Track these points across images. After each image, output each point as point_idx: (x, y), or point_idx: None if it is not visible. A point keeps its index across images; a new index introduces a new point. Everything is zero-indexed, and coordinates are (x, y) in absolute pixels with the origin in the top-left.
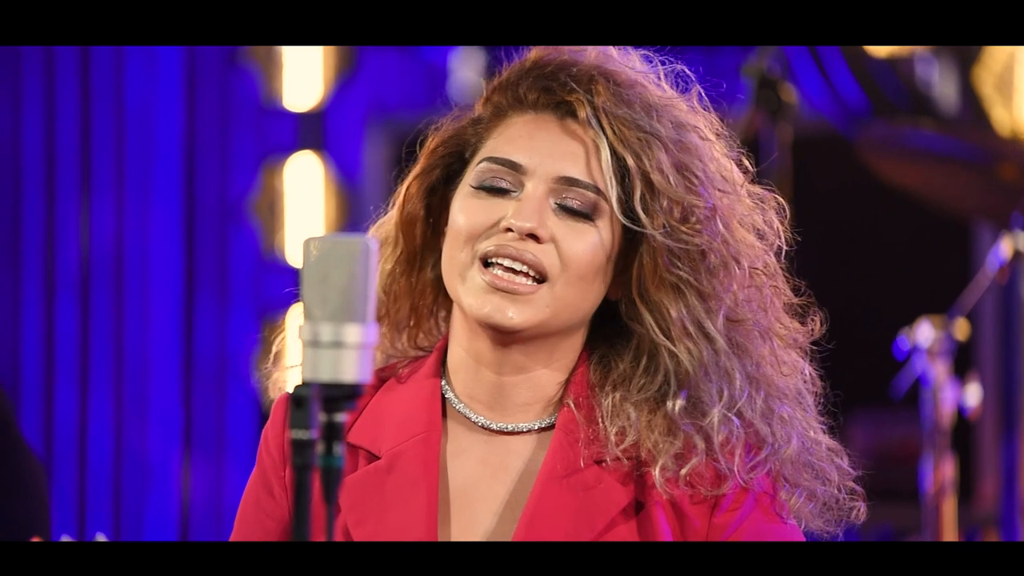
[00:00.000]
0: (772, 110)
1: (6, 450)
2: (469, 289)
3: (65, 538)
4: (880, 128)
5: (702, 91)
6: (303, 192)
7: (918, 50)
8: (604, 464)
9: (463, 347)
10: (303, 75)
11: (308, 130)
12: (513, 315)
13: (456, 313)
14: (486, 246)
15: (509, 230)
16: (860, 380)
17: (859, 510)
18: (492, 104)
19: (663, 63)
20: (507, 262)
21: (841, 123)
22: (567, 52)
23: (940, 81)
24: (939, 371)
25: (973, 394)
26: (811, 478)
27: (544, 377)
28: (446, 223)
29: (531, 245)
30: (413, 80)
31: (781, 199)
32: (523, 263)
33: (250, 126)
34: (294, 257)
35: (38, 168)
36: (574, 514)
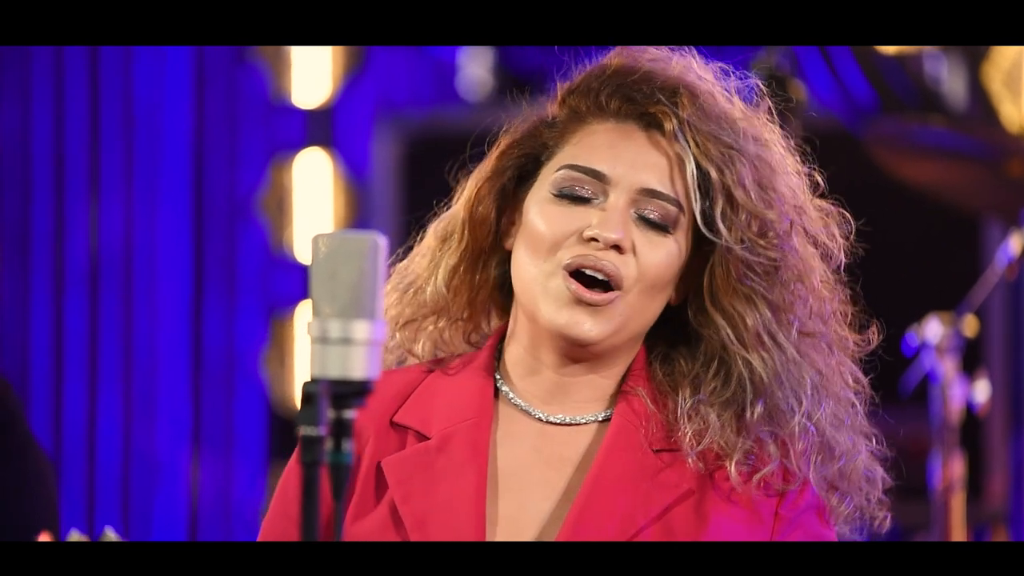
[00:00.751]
0: (780, 107)
1: (14, 447)
2: (550, 297)
3: (75, 532)
4: (889, 125)
5: (772, 107)
6: (312, 189)
7: (927, 47)
8: (663, 453)
9: (523, 347)
10: (312, 72)
11: (317, 127)
12: (590, 328)
13: (522, 316)
14: (568, 255)
15: (593, 239)
16: (868, 376)
17: (884, 519)
18: (568, 108)
19: (738, 77)
20: (589, 272)
21: (850, 120)
22: (648, 61)
23: (949, 77)
24: (948, 368)
25: (982, 391)
26: (855, 484)
27: (604, 376)
28: (513, 223)
29: (612, 255)
30: (422, 77)
31: (847, 214)
32: (604, 273)
33: (259, 123)
34: (303, 254)
35: (47, 165)
36: (630, 499)
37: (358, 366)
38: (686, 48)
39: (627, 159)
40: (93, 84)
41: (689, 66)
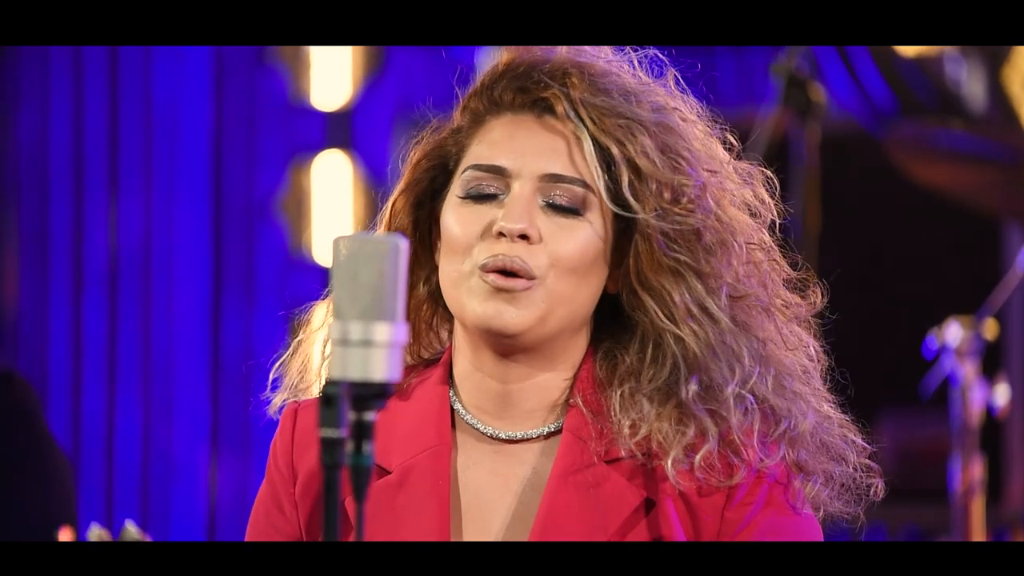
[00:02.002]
0: (800, 110)
1: (33, 446)
2: (470, 294)
3: (95, 526)
4: (909, 128)
5: (678, 75)
6: (331, 191)
7: (947, 49)
8: (614, 462)
9: (467, 358)
10: (331, 74)
11: (336, 129)
12: (513, 316)
13: (458, 327)
14: (481, 256)
15: (501, 234)
16: (889, 379)
17: (877, 487)
18: (469, 111)
19: (635, 50)
20: (500, 270)
21: (869, 123)
22: (539, 51)
23: (969, 81)
24: (968, 371)
25: (1002, 394)
26: (827, 459)
27: (549, 381)
28: (436, 237)
29: (521, 248)
30: (441, 79)
31: (768, 172)
32: (513, 269)
33: (278, 125)
34: (321, 256)
35: (66, 166)
36: (587, 516)
37: (379, 368)
38: (707, 49)
39: (525, 148)
40: (112, 86)
41: (580, 49)
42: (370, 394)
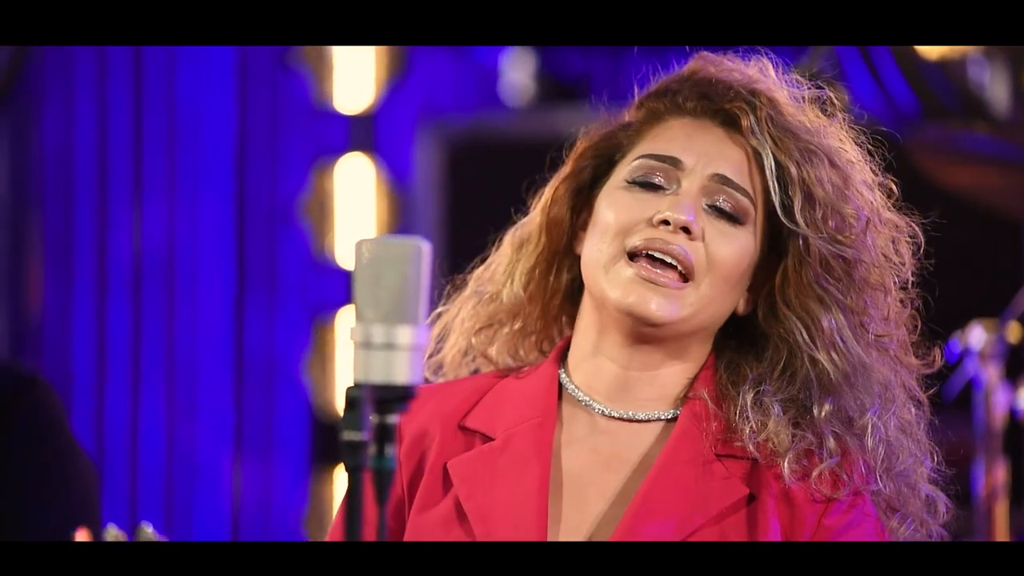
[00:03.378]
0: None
1: (57, 450)
2: (614, 281)
3: (112, 527)
4: (932, 130)
5: (844, 119)
6: (354, 194)
7: (970, 52)
8: (725, 457)
9: (590, 342)
10: (354, 77)
11: (359, 132)
12: (657, 307)
13: (587, 308)
14: (635, 240)
15: (664, 223)
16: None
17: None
18: (646, 109)
19: (812, 87)
20: (657, 254)
21: (892, 125)
22: (727, 64)
23: (992, 83)
24: (991, 374)
25: None
26: (919, 510)
27: (669, 376)
28: (586, 226)
29: (682, 239)
30: (464, 82)
31: (917, 229)
32: (672, 256)
33: (301, 128)
34: (344, 259)
35: (90, 169)
36: (689, 497)
37: (401, 371)
38: (734, 50)
39: (702, 148)
40: (136, 89)
41: (766, 71)
42: (392, 397)
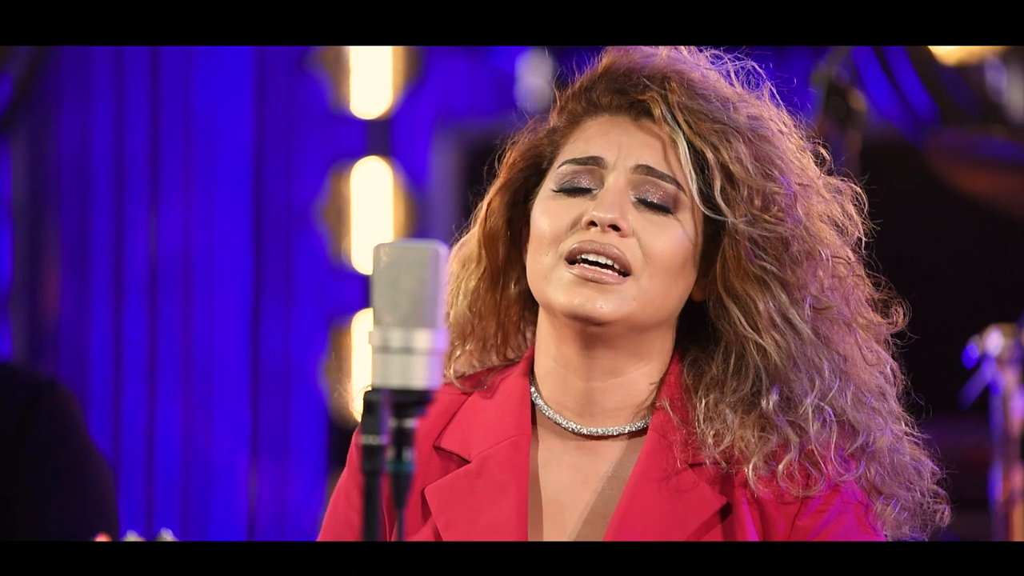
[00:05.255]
0: (841, 118)
1: (76, 455)
2: (556, 287)
3: (132, 533)
4: (950, 135)
5: (773, 88)
6: (371, 198)
7: (988, 57)
8: (696, 467)
9: (551, 355)
10: (371, 81)
11: (376, 136)
12: (602, 305)
13: (542, 321)
14: (569, 244)
15: (592, 224)
16: (929, 388)
17: (943, 513)
18: (567, 112)
19: (734, 60)
20: (592, 256)
21: (910, 130)
22: (638, 55)
23: (1010, 88)
24: (1008, 379)
25: None
26: (901, 481)
27: (633, 381)
28: (527, 237)
29: (614, 238)
30: (481, 86)
31: (858, 189)
32: (607, 256)
33: (318, 132)
34: (361, 263)
35: (107, 172)
36: (666, 516)
37: (419, 375)
38: (746, 49)
39: (621, 142)
40: (153, 93)
41: (679, 55)
42: (410, 401)
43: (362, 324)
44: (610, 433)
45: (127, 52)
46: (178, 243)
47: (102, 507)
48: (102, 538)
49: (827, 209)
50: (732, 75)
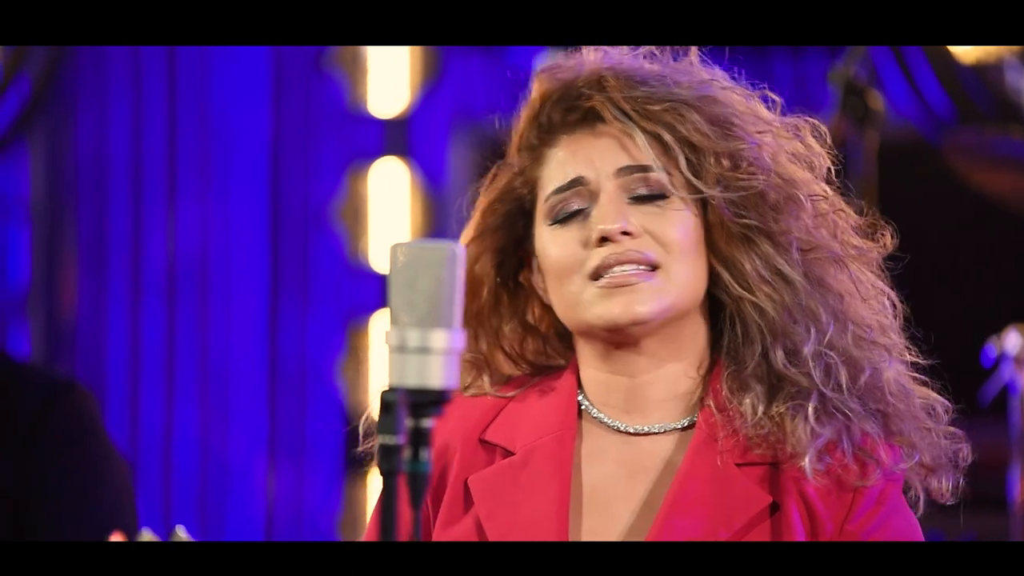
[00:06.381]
0: (859, 117)
1: (95, 456)
2: (590, 306)
3: (146, 530)
4: (968, 135)
5: (700, 53)
6: (388, 198)
7: (1006, 57)
8: (744, 467)
9: (593, 365)
10: (388, 81)
11: (393, 136)
12: (640, 304)
13: (580, 344)
14: (592, 264)
15: (603, 239)
16: (947, 388)
17: (964, 453)
18: (526, 149)
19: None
20: (618, 268)
21: (928, 130)
22: (565, 69)
23: None
24: None
25: None
26: (917, 426)
27: (676, 373)
28: (527, 283)
29: (629, 243)
30: (499, 86)
31: (814, 121)
32: (631, 262)
33: (335, 132)
34: (378, 263)
35: (124, 173)
36: (713, 511)
37: (436, 375)
38: (763, 56)
39: (590, 155)
40: (170, 93)
41: (605, 52)
42: (427, 401)
43: (379, 324)
44: (655, 430)
45: (144, 52)
46: (195, 243)
47: (120, 506)
48: (117, 536)
49: (791, 148)
50: (658, 55)
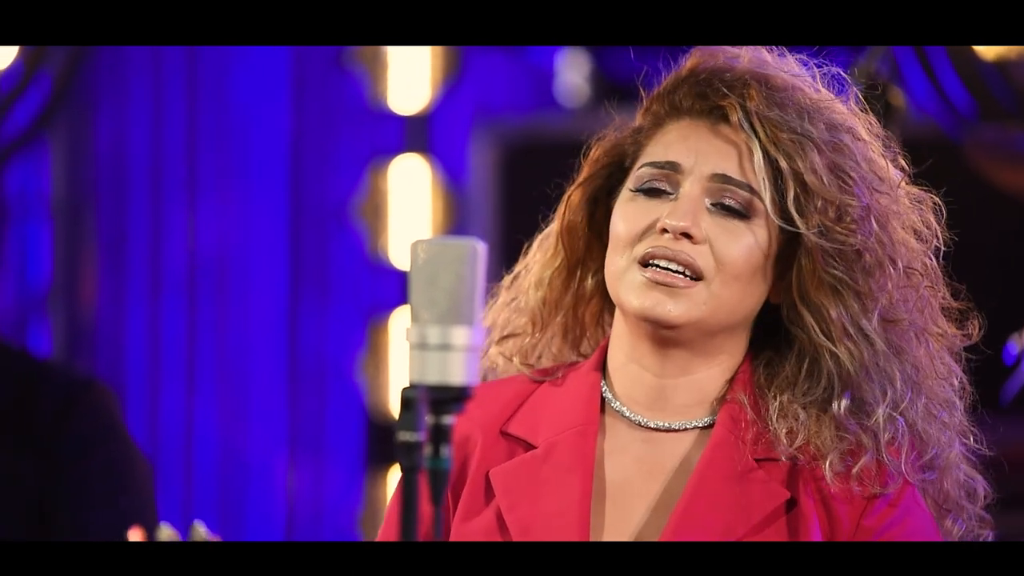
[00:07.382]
0: (880, 114)
1: (116, 454)
2: (629, 289)
3: (166, 525)
4: (989, 132)
5: (858, 93)
6: (409, 195)
7: None
8: (764, 463)
9: (624, 351)
10: (409, 77)
11: (414, 133)
12: (672, 308)
13: (618, 317)
14: (643, 248)
15: (665, 231)
16: (968, 385)
17: (986, 539)
18: (651, 113)
19: (818, 66)
20: (663, 263)
21: (950, 126)
22: (723, 58)
23: None
24: None
25: None
26: (962, 496)
27: (704, 379)
28: (608, 234)
29: (686, 245)
30: (519, 83)
31: (938, 200)
32: (678, 263)
33: (356, 128)
34: (399, 260)
35: (144, 170)
36: (730, 507)
37: (457, 372)
38: (795, 50)
39: (698, 149)
40: (190, 90)
41: (762, 59)
42: (448, 398)
43: (400, 321)
44: (677, 427)
45: (164, 51)
46: (215, 240)
47: (141, 503)
48: (136, 532)
49: (906, 218)
50: (817, 79)
